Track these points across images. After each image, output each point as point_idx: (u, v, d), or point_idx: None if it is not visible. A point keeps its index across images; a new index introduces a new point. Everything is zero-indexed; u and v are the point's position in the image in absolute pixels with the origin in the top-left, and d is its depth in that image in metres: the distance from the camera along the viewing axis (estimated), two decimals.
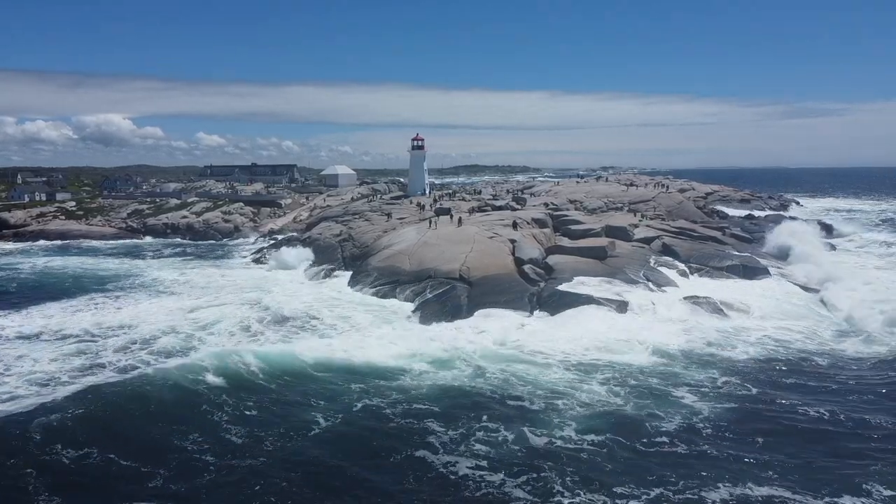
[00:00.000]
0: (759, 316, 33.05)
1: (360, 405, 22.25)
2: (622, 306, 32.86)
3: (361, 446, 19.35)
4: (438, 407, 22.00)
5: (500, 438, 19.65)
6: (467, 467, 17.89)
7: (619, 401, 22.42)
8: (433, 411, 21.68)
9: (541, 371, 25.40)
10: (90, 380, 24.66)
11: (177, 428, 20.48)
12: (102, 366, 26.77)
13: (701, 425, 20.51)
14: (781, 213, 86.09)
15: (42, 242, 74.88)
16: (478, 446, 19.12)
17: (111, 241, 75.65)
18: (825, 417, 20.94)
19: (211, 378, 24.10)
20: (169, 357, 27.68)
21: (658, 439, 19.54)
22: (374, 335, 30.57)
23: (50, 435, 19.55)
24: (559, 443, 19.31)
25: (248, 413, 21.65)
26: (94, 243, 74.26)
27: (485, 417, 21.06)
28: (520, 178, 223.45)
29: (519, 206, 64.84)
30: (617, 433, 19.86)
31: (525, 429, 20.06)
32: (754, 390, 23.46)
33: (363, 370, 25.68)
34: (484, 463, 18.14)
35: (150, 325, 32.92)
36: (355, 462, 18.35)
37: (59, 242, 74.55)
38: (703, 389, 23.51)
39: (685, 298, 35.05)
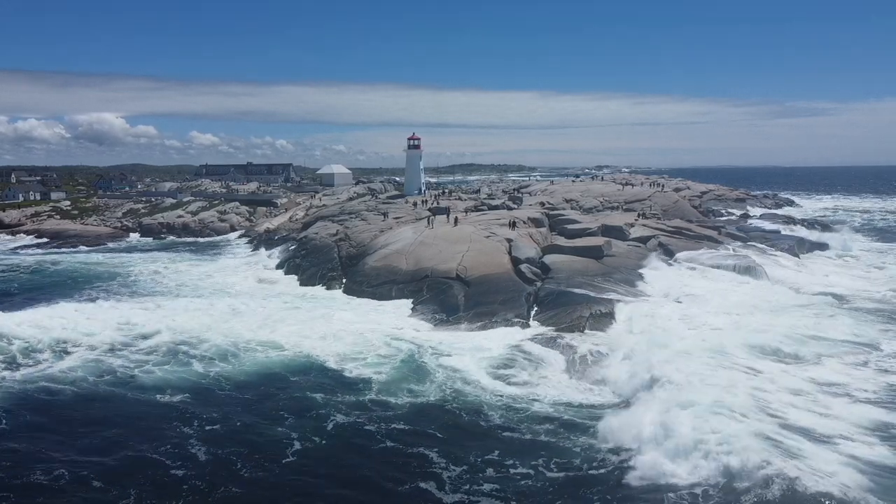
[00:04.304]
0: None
1: (336, 417, 21.81)
2: (619, 306, 32.83)
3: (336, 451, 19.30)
4: (430, 418, 21.38)
5: (512, 472, 17.59)
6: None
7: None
8: (417, 422, 21.16)
9: (536, 388, 24.01)
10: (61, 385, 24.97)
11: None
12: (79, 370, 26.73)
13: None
14: (776, 211, 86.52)
15: (37, 242, 74.35)
16: (488, 485, 17.00)
17: (106, 241, 75.16)
18: None
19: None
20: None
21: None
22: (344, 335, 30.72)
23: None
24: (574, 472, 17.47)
25: (210, 427, 21.30)
26: (90, 243, 73.71)
27: (490, 448, 19.01)
28: (515, 177, 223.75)
29: (515, 206, 64.91)
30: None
31: (542, 461, 18.12)
32: None
33: (334, 374, 25.89)
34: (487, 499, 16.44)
35: (131, 327, 32.66)
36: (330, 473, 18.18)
37: (54, 242, 73.96)
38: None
39: (682, 298, 35.10)
